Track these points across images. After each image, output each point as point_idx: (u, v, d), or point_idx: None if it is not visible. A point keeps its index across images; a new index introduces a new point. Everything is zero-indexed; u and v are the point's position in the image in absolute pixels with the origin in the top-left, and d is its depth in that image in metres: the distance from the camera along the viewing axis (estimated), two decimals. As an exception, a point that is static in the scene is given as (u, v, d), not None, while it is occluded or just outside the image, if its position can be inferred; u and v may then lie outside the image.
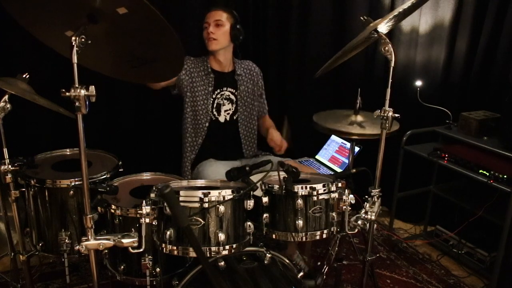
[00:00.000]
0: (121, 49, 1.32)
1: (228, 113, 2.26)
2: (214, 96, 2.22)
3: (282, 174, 1.42)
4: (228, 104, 2.25)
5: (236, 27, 2.16)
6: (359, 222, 1.49)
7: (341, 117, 2.01)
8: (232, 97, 2.25)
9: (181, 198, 1.28)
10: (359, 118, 1.99)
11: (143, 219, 1.30)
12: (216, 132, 2.24)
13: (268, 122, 2.43)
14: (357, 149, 2.28)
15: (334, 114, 2.08)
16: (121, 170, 1.91)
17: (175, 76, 2.09)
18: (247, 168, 1.53)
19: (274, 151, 2.23)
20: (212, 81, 2.21)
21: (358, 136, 1.90)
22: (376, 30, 1.47)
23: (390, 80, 1.44)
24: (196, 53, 2.26)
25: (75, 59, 1.11)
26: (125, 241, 1.26)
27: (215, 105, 2.22)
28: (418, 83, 2.76)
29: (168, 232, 1.28)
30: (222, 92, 2.23)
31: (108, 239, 1.24)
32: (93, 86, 1.13)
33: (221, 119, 2.25)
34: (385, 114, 1.46)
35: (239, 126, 2.29)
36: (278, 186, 1.42)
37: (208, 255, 1.31)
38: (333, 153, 2.65)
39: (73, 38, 1.11)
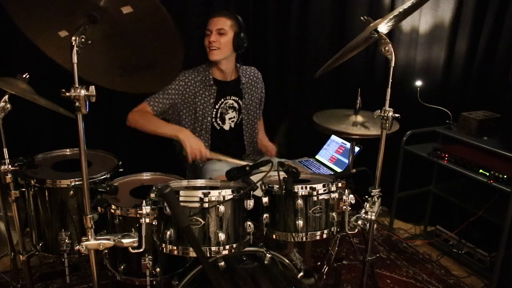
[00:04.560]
0: (117, 54, 1.30)
1: (232, 121, 2.23)
2: (217, 107, 2.18)
3: (282, 174, 1.42)
4: (232, 112, 2.22)
5: (240, 35, 2.06)
6: (359, 222, 1.49)
7: (342, 118, 2.00)
8: (236, 105, 2.22)
9: (181, 198, 1.28)
10: (359, 118, 1.99)
11: (143, 219, 1.30)
12: (221, 140, 2.22)
13: (259, 126, 2.44)
14: (357, 149, 2.28)
15: (334, 114, 2.07)
16: (121, 170, 1.91)
17: (168, 83, 2.00)
18: (247, 168, 1.53)
19: (266, 154, 2.27)
20: (214, 93, 2.15)
21: (359, 136, 1.89)
22: (376, 30, 1.47)
23: (390, 80, 1.44)
24: (195, 62, 2.19)
25: (75, 59, 1.11)
26: (125, 241, 1.26)
27: (218, 115, 2.19)
28: (418, 83, 2.76)
29: (168, 232, 1.28)
30: (226, 101, 2.19)
31: (108, 239, 1.24)
32: (93, 86, 1.13)
33: (226, 127, 2.22)
34: (385, 114, 1.46)
35: (244, 133, 2.28)
36: (278, 186, 1.42)
37: (208, 255, 1.31)
38: (333, 153, 2.65)
39: (73, 38, 1.10)
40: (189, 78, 2.13)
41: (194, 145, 1.95)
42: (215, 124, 2.19)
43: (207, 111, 2.15)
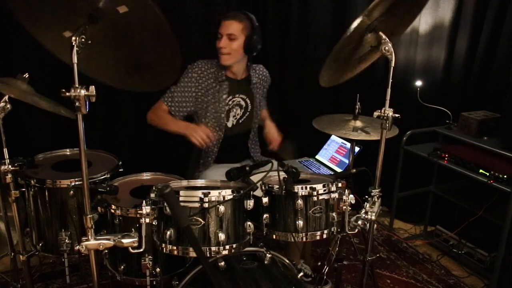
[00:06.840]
0: (118, 54, 1.31)
1: (235, 118, 2.21)
2: (228, 103, 2.15)
3: (282, 175, 1.42)
4: (237, 109, 2.20)
5: (252, 38, 1.99)
6: (359, 222, 1.49)
7: (342, 123, 1.99)
8: (243, 103, 2.21)
9: (181, 198, 1.28)
10: (359, 123, 1.99)
11: (143, 219, 1.30)
12: (225, 137, 2.20)
13: (265, 113, 2.40)
14: (357, 149, 2.28)
15: (334, 120, 2.05)
16: (121, 170, 1.91)
17: (170, 82, 1.96)
18: (247, 168, 1.53)
19: (267, 147, 2.22)
20: (226, 89, 2.12)
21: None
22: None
23: (391, 80, 1.43)
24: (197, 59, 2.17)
25: (75, 59, 1.11)
26: (125, 241, 1.26)
27: (226, 111, 2.17)
28: (418, 83, 2.77)
29: (168, 232, 1.28)
30: (234, 99, 2.17)
31: (108, 239, 1.24)
32: (93, 86, 1.13)
33: (229, 124, 2.20)
34: (385, 114, 1.46)
35: (251, 130, 2.27)
36: (278, 187, 1.42)
37: (208, 255, 1.31)
38: (333, 153, 2.65)
39: (73, 38, 1.10)
40: (203, 69, 2.08)
41: (197, 134, 1.92)
42: (224, 122, 2.19)
43: (219, 107, 2.12)
